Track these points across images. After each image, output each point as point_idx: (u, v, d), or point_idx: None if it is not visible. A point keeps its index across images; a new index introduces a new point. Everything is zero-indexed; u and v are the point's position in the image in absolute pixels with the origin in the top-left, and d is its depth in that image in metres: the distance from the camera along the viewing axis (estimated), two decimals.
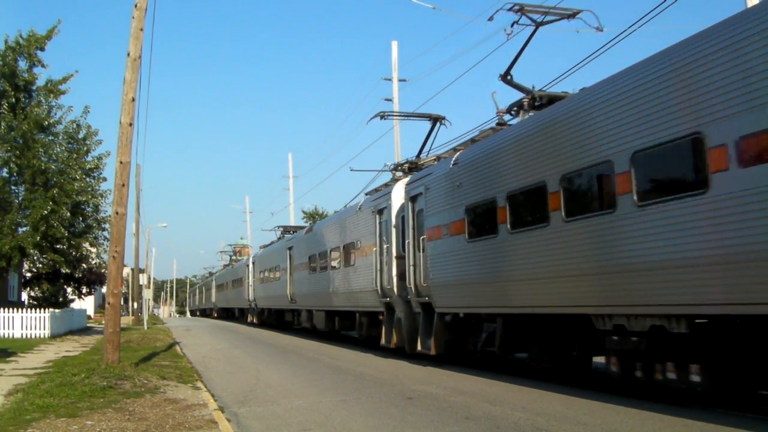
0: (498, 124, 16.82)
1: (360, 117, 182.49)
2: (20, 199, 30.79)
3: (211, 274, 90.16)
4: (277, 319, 41.08)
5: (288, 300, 34.16)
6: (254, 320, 47.98)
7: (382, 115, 23.25)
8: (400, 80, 34.29)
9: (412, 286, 18.81)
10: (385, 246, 20.88)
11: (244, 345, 29.16)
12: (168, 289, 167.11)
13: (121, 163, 16.93)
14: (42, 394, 12.37)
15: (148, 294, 49.75)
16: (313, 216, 61.29)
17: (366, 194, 24.10)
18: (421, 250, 18.31)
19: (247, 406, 12.09)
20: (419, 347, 18.52)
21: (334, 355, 22.61)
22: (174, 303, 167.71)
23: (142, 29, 17.27)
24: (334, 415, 11.00)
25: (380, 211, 21.49)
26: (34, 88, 31.29)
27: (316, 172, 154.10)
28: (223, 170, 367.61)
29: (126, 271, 56.02)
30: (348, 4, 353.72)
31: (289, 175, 62.04)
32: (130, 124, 17.14)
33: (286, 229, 41.06)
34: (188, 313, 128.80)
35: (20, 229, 30.08)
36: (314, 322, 30.16)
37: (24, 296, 44.19)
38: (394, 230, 20.36)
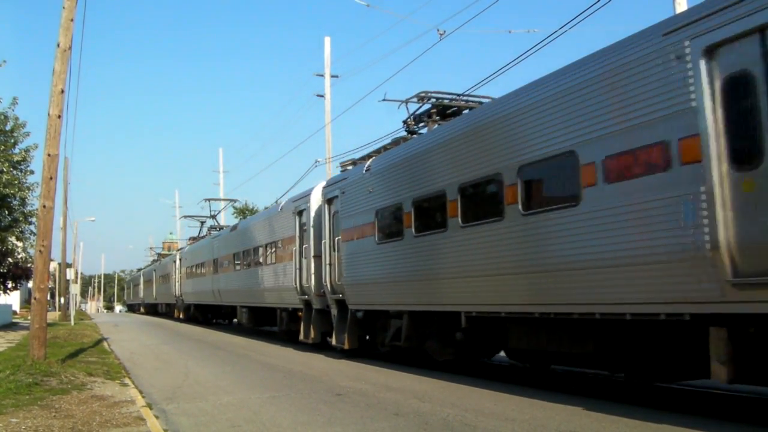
0: (408, 132, 17.40)
1: (292, 111, 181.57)
2: None
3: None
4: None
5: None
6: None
7: None
8: (332, 76, 34.45)
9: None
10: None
11: (172, 341, 28.82)
12: (96, 285, 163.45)
13: (49, 155, 16.55)
14: None
15: (75, 289, 48.62)
16: (244, 212, 60.84)
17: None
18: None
19: (176, 402, 12.04)
20: (334, 341, 19.36)
21: (263, 351, 22.58)
22: (102, 298, 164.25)
23: (72, 20, 16.89)
24: (263, 411, 11.06)
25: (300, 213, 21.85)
26: None
27: (247, 166, 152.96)
28: (153, 165, 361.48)
29: (53, 265, 54.60)
30: None
31: (219, 169, 61.84)
32: (59, 116, 16.74)
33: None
34: (117, 309, 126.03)
35: None
36: None
37: None
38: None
